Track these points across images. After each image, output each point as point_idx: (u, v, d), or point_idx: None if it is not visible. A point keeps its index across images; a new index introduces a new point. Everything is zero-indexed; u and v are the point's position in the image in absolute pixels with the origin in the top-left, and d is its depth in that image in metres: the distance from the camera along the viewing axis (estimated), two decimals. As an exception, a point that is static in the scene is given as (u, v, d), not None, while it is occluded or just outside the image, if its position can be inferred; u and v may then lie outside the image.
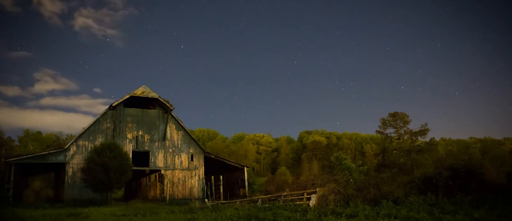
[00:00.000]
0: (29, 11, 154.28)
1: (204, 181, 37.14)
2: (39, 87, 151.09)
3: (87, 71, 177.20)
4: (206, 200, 29.74)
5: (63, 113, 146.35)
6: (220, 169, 41.01)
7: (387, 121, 61.81)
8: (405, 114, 60.72)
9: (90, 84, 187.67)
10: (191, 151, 37.13)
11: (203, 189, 36.72)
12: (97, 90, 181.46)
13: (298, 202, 19.95)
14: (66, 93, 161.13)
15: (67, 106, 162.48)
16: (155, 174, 38.27)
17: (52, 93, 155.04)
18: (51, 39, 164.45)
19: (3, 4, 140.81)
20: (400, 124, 60.89)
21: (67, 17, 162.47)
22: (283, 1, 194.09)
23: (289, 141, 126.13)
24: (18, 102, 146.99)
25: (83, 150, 32.40)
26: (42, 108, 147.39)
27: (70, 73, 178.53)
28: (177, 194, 35.38)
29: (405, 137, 60.88)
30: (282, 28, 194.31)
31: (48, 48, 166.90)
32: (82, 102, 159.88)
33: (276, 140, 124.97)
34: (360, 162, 44.96)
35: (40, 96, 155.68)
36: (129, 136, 34.65)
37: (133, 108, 35.46)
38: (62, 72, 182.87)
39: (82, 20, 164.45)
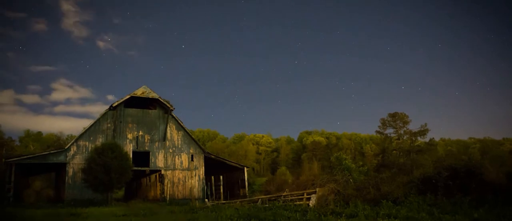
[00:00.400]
0: (57, 34, 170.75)
1: (204, 181, 37.20)
2: (56, 96, 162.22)
3: (103, 81, 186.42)
4: (206, 200, 29.81)
5: (75, 119, 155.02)
6: (220, 169, 41.06)
7: (386, 122, 61.91)
8: (404, 114, 60.87)
9: (105, 93, 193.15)
10: (191, 151, 37.18)
11: (203, 189, 36.78)
12: (110, 97, 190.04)
13: (298, 202, 20.01)
14: (83, 101, 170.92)
15: (80, 113, 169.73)
16: (155, 174, 38.33)
17: (68, 101, 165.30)
18: (75, 57, 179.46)
19: (37, 28, 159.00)
20: (400, 124, 60.98)
21: (91, 40, 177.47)
22: (283, 1, 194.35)
23: (289, 141, 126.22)
24: (35, 109, 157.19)
25: (84, 150, 32.45)
26: (56, 114, 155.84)
27: (88, 83, 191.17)
28: (177, 194, 35.43)
29: (404, 137, 60.96)
30: (282, 28, 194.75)
31: (70, 63, 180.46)
32: (95, 108, 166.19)
33: (276, 140, 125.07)
34: (361, 163, 44.94)
35: (56, 103, 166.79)
36: (130, 136, 34.71)
37: (134, 109, 35.51)
38: (81, 83, 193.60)
39: (104, 44, 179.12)
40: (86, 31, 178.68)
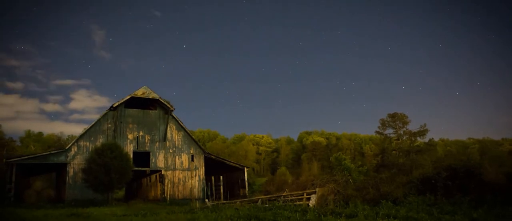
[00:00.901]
0: (87, 56, 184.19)
1: (204, 181, 37.27)
2: (74, 105, 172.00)
3: (121, 90, 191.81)
4: (207, 200, 29.84)
5: (86, 125, 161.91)
6: (220, 169, 41.13)
7: (386, 122, 62.01)
8: (404, 114, 61.01)
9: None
10: (191, 151, 37.26)
11: (203, 189, 36.85)
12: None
13: (298, 202, 20.05)
14: (100, 110, 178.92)
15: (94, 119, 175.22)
16: (155, 174, 38.40)
17: (85, 109, 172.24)
18: (97, 72, 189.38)
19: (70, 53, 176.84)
20: (399, 125, 61.10)
21: (113, 61, 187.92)
22: (283, 1, 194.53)
23: (289, 141, 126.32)
24: (53, 116, 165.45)
25: (84, 151, 32.52)
26: (71, 121, 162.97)
27: (106, 93, 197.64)
28: (178, 194, 35.51)
29: (404, 138, 61.06)
30: (282, 28, 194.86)
31: (92, 77, 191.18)
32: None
33: (276, 140, 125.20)
34: (360, 163, 45.05)
35: (73, 112, 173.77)
36: (130, 136, 34.78)
37: (134, 109, 35.58)
38: (101, 93, 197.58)
39: (126, 64, 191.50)
40: (110, 55, 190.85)
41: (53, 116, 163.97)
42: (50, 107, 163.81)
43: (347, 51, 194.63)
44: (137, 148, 34.87)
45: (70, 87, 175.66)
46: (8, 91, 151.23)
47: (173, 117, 36.73)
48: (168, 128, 36.33)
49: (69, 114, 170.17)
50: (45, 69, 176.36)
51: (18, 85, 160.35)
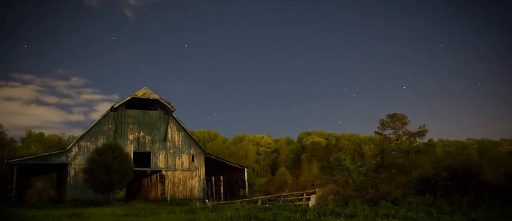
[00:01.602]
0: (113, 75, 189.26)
1: (204, 181, 37.37)
2: (95, 115, 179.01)
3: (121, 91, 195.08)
4: (207, 200, 29.94)
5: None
6: (221, 169, 41.22)
7: (385, 123, 62.14)
8: (403, 115, 61.18)
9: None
10: (191, 152, 37.35)
11: (203, 189, 36.94)
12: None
13: (297, 203, 20.16)
14: None
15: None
16: (156, 174, 38.49)
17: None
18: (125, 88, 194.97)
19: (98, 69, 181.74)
20: (399, 125, 61.25)
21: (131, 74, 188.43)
22: (284, 1, 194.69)
23: (289, 142, 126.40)
24: (74, 125, 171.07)
25: (85, 151, 32.62)
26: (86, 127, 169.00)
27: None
28: (178, 195, 35.60)
29: (403, 138, 61.18)
30: (283, 28, 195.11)
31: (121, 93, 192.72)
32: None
33: (276, 141, 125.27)
34: (359, 163, 45.05)
35: (93, 121, 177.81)
36: (131, 137, 34.87)
37: (135, 110, 35.68)
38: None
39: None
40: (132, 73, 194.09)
41: (73, 125, 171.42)
42: (75, 117, 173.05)
43: (347, 51, 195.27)
44: (138, 149, 34.97)
45: (98, 101, 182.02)
46: (42, 103, 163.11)
47: (174, 118, 36.83)
48: (169, 129, 36.43)
49: (89, 123, 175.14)
50: (79, 88, 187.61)
51: (53, 99, 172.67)
